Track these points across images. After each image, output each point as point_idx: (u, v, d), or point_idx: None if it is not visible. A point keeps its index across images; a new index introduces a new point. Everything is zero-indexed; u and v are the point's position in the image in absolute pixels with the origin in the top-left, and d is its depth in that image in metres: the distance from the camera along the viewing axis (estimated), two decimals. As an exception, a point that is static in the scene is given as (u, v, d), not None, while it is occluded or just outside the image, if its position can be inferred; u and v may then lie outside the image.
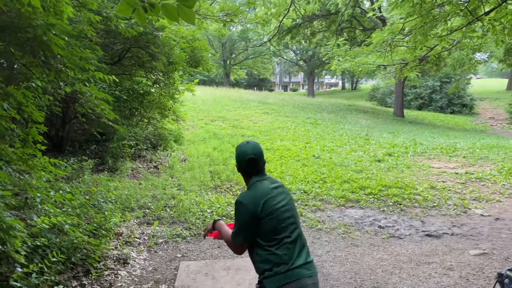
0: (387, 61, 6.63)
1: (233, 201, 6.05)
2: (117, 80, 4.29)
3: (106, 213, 4.24)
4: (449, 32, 5.09)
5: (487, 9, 5.91)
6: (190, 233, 4.90)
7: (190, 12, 1.15)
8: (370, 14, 7.59)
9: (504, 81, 47.24)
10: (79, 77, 3.54)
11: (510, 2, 5.21)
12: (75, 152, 7.27)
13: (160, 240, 4.67)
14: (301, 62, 50.64)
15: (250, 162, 2.13)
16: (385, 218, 5.64)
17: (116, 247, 4.26)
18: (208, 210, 5.61)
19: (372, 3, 18.93)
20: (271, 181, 2.11)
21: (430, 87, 30.99)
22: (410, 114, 26.87)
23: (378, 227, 5.31)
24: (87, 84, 3.67)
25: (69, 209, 3.81)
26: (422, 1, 4.79)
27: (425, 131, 16.24)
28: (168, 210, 5.60)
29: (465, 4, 5.02)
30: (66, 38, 3.08)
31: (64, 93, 3.85)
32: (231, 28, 38.91)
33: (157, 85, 8.33)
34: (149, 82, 8.30)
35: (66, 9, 3.05)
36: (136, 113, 8.28)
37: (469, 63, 7.78)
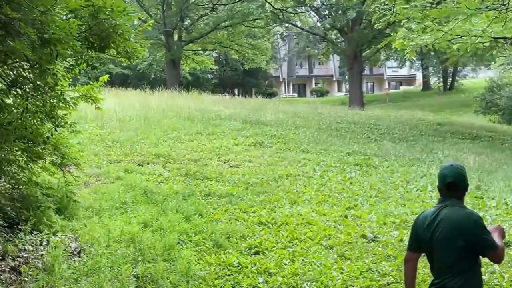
0: (510, 28, 6.76)
1: None
2: None
3: None
4: None
5: None
6: None
7: None
8: None
9: None
10: None
11: None
12: None
13: None
14: (333, 35, 51.43)
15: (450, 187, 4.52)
16: None
17: None
18: None
19: None
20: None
21: None
22: None
23: None
24: None
25: None
26: None
27: None
28: None
29: None
30: None
31: None
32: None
33: (19, 90, 8.33)
34: (1, 85, 8.32)
35: None
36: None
37: None
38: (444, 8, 8.01)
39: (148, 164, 13.38)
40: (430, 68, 73.54)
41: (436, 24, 8.83)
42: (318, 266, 8.04)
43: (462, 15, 7.80)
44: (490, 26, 7.69)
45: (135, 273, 7.54)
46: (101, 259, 7.79)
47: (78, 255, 8.13)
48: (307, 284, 7.43)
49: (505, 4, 6.76)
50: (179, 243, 8.63)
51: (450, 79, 73.02)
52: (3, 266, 7.62)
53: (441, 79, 74.10)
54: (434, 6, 8.54)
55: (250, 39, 51.24)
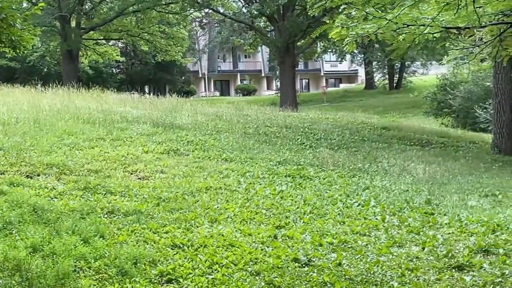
0: (465, 17, 6.92)
1: None
2: None
3: None
4: None
5: None
6: None
7: None
8: None
9: None
10: None
11: None
12: None
13: None
14: (261, 23, 51.71)
15: None
16: None
17: None
18: None
19: None
20: None
21: None
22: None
23: None
24: None
25: None
26: None
27: None
28: None
29: None
30: None
31: None
32: None
33: None
34: None
35: None
36: None
37: None
38: (388, -7, 8.16)
39: (38, 175, 13.16)
40: (374, 63, 75.02)
41: (380, 11, 8.96)
42: (242, 298, 8.04)
43: (409, 0, 7.95)
44: (441, 14, 7.84)
45: (21, 308, 7.42)
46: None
47: None
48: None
49: (458, -11, 6.92)
50: (75, 270, 8.48)
51: (397, 76, 74.61)
52: None
53: (387, 76, 75.62)
54: (376, -10, 8.69)
55: (164, 26, 51.16)
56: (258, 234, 10.63)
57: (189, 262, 9.12)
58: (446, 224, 11.89)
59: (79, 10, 47.08)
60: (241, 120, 24.65)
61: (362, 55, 72.20)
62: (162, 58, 55.93)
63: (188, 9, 47.65)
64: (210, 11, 52.31)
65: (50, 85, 30.29)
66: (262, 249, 9.83)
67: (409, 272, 9.13)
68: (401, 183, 15.99)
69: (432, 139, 26.61)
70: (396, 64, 70.23)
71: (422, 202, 13.70)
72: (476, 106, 35.82)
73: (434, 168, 18.64)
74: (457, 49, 14.81)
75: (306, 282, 8.60)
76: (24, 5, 26.80)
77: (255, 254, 9.56)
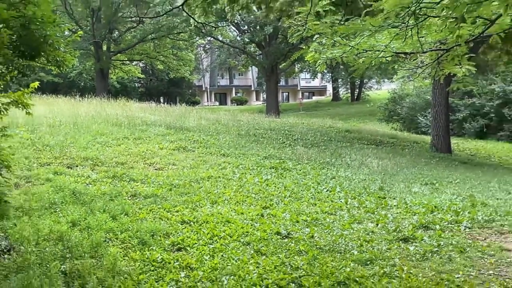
0: (411, 44, 6.93)
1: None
2: None
3: None
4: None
5: None
6: None
7: None
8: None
9: None
10: None
11: None
12: None
13: None
14: (252, 48, 51.80)
15: None
16: None
17: None
18: None
19: None
20: None
21: (500, 95, 32.54)
22: (464, 147, 28.12)
23: None
24: None
25: None
26: None
27: (491, 180, 16.97)
28: None
29: None
30: None
31: None
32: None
33: None
34: None
35: None
36: None
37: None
38: (351, 25, 8.13)
39: (77, 166, 13.16)
40: (339, 80, 75.15)
41: (344, 40, 8.96)
42: (236, 261, 8.03)
43: (367, 31, 7.94)
44: (392, 42, 7.85)
45: (63, 269, 7.39)
46: (30, 257, 7.62)
47: (7, 253, 7.92)
48: (225, 278, 7.41)
49: (405, 23, 6.93)
50: (105, 240, 8.50)
51: (357, 90, 74.77)
52: None
53: (349, 90, 75.83)
54: (342, 22, 8.67)
55: (175, 50, 51.27)
56: (249, 213, 10.63)
57: (194, 235, 9.11)
58: (395, 205, 11.94)
59: (109, 37, 47.27)
60: (236, 124, 24.65)
61: (330, 74, 72.33)
62: (174, 75, 56.24)
63: (195, 37, 48.18)
64: (212, 39, 52.63)
65: (86, 96, 30.17)
66: (251, 225, 9.83)
67: (366, 243, 9.14)
68: (360, 174, 16.02)
69: (384, 139, 26.66)
70: (357, 81, 70.59)
71: (376, 188, 13.73)
72: (419, 114, 36.11)
73: (385, 162, 18.68)
74: (404, 70, 14.81)
75: (286, 250, 8.61)
76: (66, 33, 26.73)
77: (246, 228, 9.56)
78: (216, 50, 65.10)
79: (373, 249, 8.85)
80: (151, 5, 43.41)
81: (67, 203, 10.19)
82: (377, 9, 7.30)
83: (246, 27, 48.65)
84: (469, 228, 10.29)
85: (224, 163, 15.35)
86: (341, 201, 12.15)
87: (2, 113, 8.98)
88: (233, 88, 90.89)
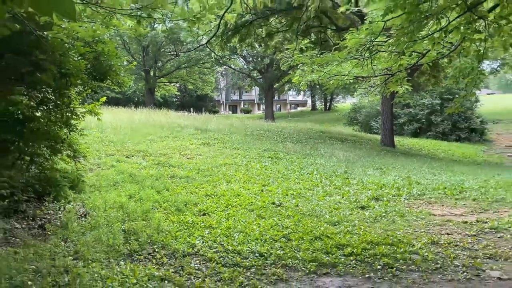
0: (366, 71, 6.95)
1: (157, 273, 5.90)
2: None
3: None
4: (442, 33, 5.44)
5: (491, 4, 6.43)
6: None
7: (68, 2, 1.10)
8: (343, 8, 7.98)
9: (521, 97, 50.97)
10: None
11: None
12: None
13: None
14: (255, 73, 51.83)
15: None
16: None
17: None
18: (120, 289, 5.40)
19: (347, -5, 19.93)
20: None
21: (428, 106, 32.69)
22: (403, 143, 28.07)
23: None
24: None
25: None
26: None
27: (423, 166, 16.99)
28: (58, 291, 5.32)
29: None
30: None
31: None
32: (155, 25, 39.27)
33: (44, 107, 8.09)
34: (32, 103, 8.05)
35: None
36: (12, 148, 7.94)
37: (472, 73, 8.19)
38: (325, 57, 8.16)
39: (132, 156, 13.18)
40: (316, 96, 75.15)
41: (320, 67, 8.99)
42: (243, 222, 8.07)
43: (336, 62, 7.97)
44: (353, 69, 7.87)
45: (123, 228, 7.43)
46: (100, 219, 7.65)
47: (84, 217, 7.97)
48: (236, 234, 7.45)
49: (362, 55, 6.94)
50: (152, 208, 8.54)
51: (329, 103, 74.67)
52: (33, 224, 7.41)
53: (323, 103, 75.81)
54: (318, 55, 8.70)
55: (201, 75, 51.39)
56: (253, 189, 10.63)
57: (215, 204, 9.13)
58: (355, 184, 11.92)
59: (154, 66, 47.37)
60: (243, 127, 24.58)
61: (310, 91, 72.29)
62: (200, 93, 56.42)
63: (215, 65, 48.27)
64: (227, 67, 52.92)
65: (139, 107, 30.18)
66: (254, 197, 9.84)
67: (335, 210, 9.16)
68: (330, 161, 15.99)
69: (348, 138, 26.61)
70: (328, 96, 70.54)
71: (342, 172, 13.71)
72: (372, 120, 35.95)
73: (348, 154, 18.65)
74: (362, 88, 14.82)
75: (279, 215, 8.62)
76: (125, 63, 26.89)
77: (251, 200, 9.57)
78: (230, 75, 65.58)
79: (340, 214, 8.87)
80: (184, 43, 43.47)
81: (125, 182, 10.22)
82: (343, 46, 7.33)
83: (250, 58, 48.91)
84: (407, 199, 10.32)
85: (235, 154, 15.35)
86: (317, 181, 12.15)
87: (80, 119, 9.04)
88: (242, 102, 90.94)
